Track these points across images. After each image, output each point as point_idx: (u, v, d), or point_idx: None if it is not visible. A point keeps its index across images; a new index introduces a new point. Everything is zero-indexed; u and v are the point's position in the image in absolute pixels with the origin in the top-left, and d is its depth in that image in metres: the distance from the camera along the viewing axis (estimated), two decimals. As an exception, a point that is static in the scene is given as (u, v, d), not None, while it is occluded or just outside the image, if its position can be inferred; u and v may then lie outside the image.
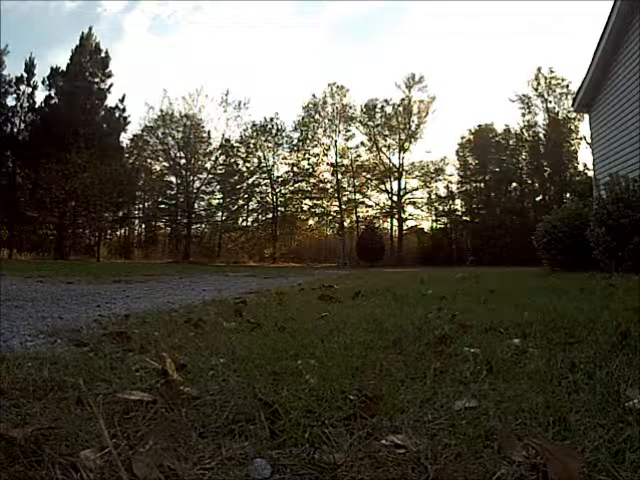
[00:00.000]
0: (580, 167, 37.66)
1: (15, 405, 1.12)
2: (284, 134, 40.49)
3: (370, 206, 41.24)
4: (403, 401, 1.18)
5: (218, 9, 55.14)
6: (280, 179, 40.83)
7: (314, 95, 40.28)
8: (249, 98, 45.14)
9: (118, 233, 40.05)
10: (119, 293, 5.46)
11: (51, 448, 0.86)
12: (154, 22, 54.73)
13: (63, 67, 34.04)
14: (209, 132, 38.61)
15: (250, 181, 40.45)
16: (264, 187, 40.95)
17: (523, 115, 39.60)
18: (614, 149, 11.04)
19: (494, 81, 60.64)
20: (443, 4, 56.36)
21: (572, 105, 15.23)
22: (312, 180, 40.54)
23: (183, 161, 38.15)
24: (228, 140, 38.91)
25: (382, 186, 40.73)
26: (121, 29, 52.15)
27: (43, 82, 33.53)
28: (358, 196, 41.01)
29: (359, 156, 40.72)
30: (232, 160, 39.85)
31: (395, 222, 40.64)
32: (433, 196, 40.68)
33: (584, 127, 34.25)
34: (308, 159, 40.53)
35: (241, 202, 41.01)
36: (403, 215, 40.59)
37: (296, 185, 40.88)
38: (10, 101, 32.76)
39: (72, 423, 0.98)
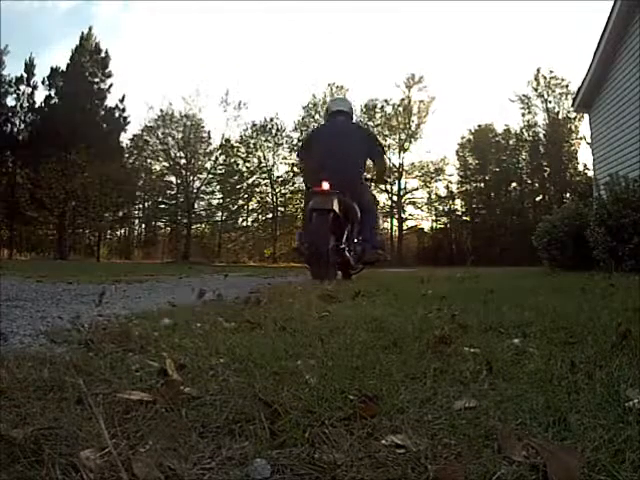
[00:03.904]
0: (580, 167, 37.73)
1: (15, 405, 1.12)
2: (284, 134, 40.55)
3: (370, 206, 41.22)
4: (403, 401, 1.18)
5: (216, 9, 55.22)
6: (280, 179, 40.86)
7: (314, 95, 40.35)
8: (249, 98, 45.16)
9: (118, 233, 40.13)
10: (119, 293, 5.46)
11: (51, 448, 0.86)
12: (151, 22, 54.79)
13: (63, 67, 34.10)
14: (209, 132, 38.70)
15: (250, 181, 40.48)
16: (264, 187, 41.00)
17: (523, 115, 39.67)
18: (614, 149, 11.04)
19: (494, 81, 60.68)
20: (443, 4, 56.39)
21: (572, 105, 15.22)
22: (312, 180, 40.51)
23: (183, 161, 38.18)
24: (228, 140, 38.97)
25: (382, 186, 40.76)
26: (118, 29, 52.24)
27: (43, 82, 33.61)
28: (358, 196, 40.97)
29: (359, 156, 40.67)
30: (232, 160, 39.88)
31: (395, 222, 40.69)
32: (433, 196, 40.74)
33: (584, 127, 34.28)
34: (308, 159, 40.50)
35: (241, 202, 41.05)
36: (403, 215, 40.62)
37: (296, 185, 40.91)
38: (10, 101, 32.87)
39: (72, 423, 0.98)
